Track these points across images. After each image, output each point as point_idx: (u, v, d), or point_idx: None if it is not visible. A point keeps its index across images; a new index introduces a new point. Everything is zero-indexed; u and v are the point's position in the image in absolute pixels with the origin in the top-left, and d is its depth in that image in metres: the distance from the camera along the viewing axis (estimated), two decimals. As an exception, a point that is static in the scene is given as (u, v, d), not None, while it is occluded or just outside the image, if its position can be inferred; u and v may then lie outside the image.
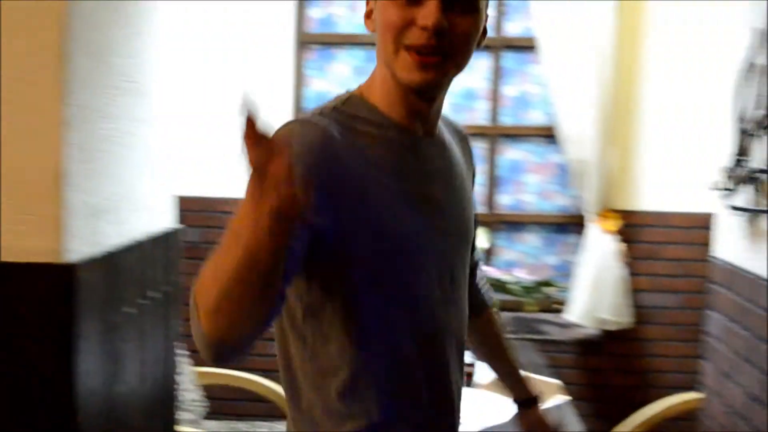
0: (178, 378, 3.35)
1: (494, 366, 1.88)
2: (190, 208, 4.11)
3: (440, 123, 1.50)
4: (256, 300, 1.09)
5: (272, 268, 1.07)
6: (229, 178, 4.13)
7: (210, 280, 1.09)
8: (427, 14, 1.26)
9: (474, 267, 1.75)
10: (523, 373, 1.87)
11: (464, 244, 1.53)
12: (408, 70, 1.30)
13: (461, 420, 1.57)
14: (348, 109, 1.38)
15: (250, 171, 1.04)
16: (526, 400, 1.86)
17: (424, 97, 1.37)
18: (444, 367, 1.45)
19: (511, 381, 1.87)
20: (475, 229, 1.66)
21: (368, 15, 1.39)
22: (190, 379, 3.62)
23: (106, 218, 2.15)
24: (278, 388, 3.81)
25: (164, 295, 2.53)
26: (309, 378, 1.39)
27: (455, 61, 1.33)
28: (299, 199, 1.01)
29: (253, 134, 1.03)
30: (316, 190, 1.14)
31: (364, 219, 1.31)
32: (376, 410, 1.36)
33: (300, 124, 1.31)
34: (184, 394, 3.50)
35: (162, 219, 2.56)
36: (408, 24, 1.28)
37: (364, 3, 1.40)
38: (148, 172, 2.45)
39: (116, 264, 2.17)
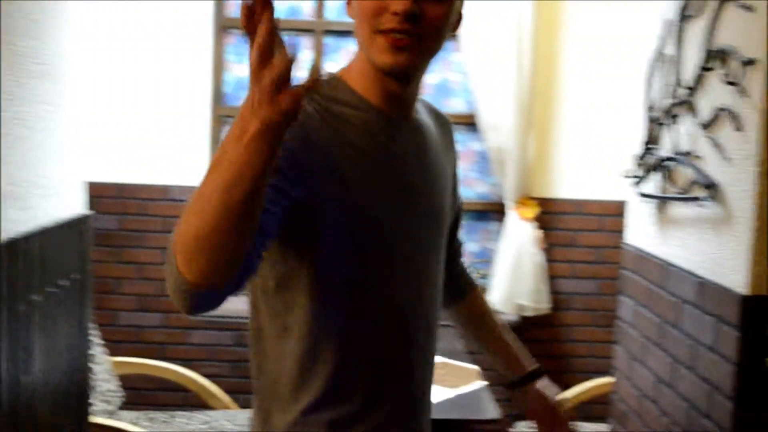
0: (92, 368, 3.29)
1: (487, 346, 1.88)
2: (105, 194, 4.03)
3: (421, 108, 1.56)
4: (236, 231, 1.08)
5: (254, 192, 1.07)
6: (146, 164, 4.06)
7: (190, 214, 1.09)
8: (399, 0, 1.32)
9: (457, 250, 1.84)
10: (519, 348, 1.87)
11: (437, 227, 1.55)
12: (382, 53, 1.36)
13: (429, 397, 1.60)
14: (326, 91, 1.42)
15: (250, 74, 1.05)
16: (526, 376, 1.86)
17: (399, 79, 1.41)
18: (408, 346, 1.48)
19: (507, 358, 1.86)
20: (459, 214, 1.76)
21: (349, 2, 1.44)
22: (106, 369, 3.55)
23: (12, 204, 2.08)
24: (197, 377, 3.77)
25: (75, 283, 2.47)
26: (275, 349, 1.43)
27: (426, 45, 1.38)
28: (288, 115, 1.04)
29: (265, 40, 1.05)
30: (292, 164, 1.27)
31: (336, 195, 1.35)
32: (329, 384, 1.40)
33: None
34: (99, 384, 3.43)
35: (72, 205, 2.50)
36: (382, 10, 1.34)
37: None
38: (58, 157, 2.38)
39: (22, 251, 2.11)
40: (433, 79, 4.28)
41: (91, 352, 2.77)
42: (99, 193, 4.00)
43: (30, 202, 2.20)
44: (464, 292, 1.86)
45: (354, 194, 1.37)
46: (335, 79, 1.46)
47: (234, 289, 1.17)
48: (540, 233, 4.05)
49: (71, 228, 2.44)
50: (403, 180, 1.45)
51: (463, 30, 3.95)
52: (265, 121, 1.04)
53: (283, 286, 1.40)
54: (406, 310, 1.47)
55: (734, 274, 1.97)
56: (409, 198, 1.46)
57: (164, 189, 4.06)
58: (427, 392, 1.59)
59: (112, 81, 3.99)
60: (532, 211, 4.02)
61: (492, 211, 4.37)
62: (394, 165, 1.44)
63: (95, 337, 3.48)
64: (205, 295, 1.14)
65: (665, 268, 2.37)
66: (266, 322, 1.44)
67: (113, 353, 3.94)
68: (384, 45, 1.35)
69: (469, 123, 4.26)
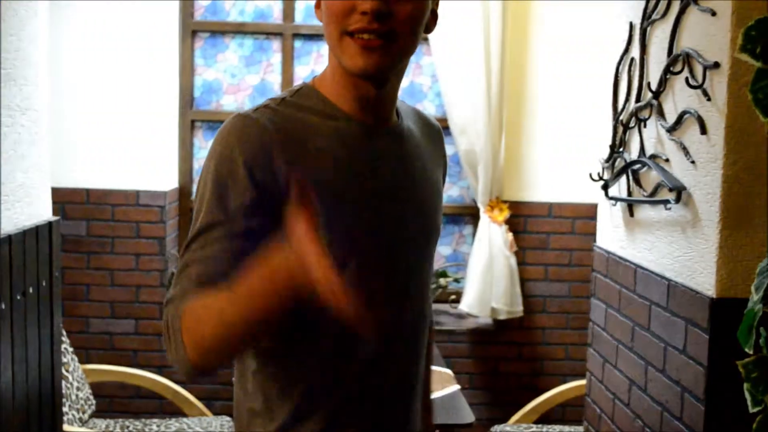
0: (64, 375, 3.25)
1: None
2: (73, 200, 3.99)
3: (407, 114, 1.53)
4: (252, 341, 1.29)
5: (276, 320, 1.19)
6: (115, 169, 4.02)
7: (208, 324, 1.20)
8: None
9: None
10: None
11: (423, 235, 1.51)
12: (351, 56, 1.31)
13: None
14: (297, 100, 1.39)
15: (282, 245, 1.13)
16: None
17: (373, 82, 1.36)
18: (388, 361, 1.44)
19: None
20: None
21: (317, 5, 1.39)
22: (78, 377, 3.52)
23: (-28, 212, 2.05)
24: (171, 385, 3.74)
25: (43, 290, 2.44)
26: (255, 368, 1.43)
27: (399, 45, 1.32)
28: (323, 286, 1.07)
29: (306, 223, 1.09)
30: (253, 189, 1.28)
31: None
32: (304, 402, 1.39)
33: (240, 118, 1.33)
34: (71, 392, 3.39)
35: (37, 211, 2.46)
36: (349, 10, 1.29)
37: None
38: (22, 163, 2.35)
39: (-14, 260, 2.08)
40: (403, 82, 4.26)
41: (62, 360, 2.74)
42: (67, 199, 3.96)
43: (-7, 210, 2.17)
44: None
45: (325, 210, 1.29)
46: (307, 88, 1.42)
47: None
48: (512, 236, 4.06)
49: (38, 235, 2.41)
50: (382, 189, 1.40)
51: (432, 33, 3.94)
52: (303, 293, 1.11)
53: None
54: (390, 322, 1.42)
55: (702, 277, 1.97)
56: (389, 207, 1.41)
57: (133, 194, 4.03)
58: (408, 393, 1.52)
59: (79, 84, 3.95)
60: (504, 214, 4.02)
61: (464, 215, 4.38)
62: (371, 174, 1.39)
63: (66, 345, 3.45)
64: (210, 372, 1.28)
65: (635, 270, 2.38)
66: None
67: (85, 361, 3.91)
68: (353, 47, 1.30)
69: (441, 126, 4.25)
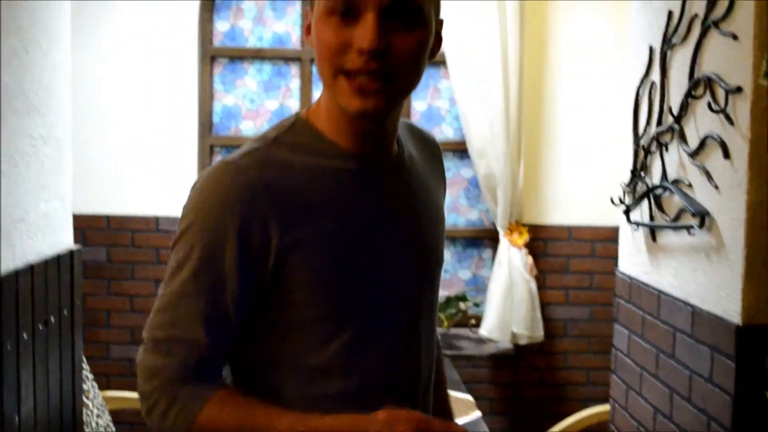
0: (85, 403, 3.25)
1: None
2: (94, 225, 4.00)
3: (405, 135, 1.42)
4: None
5: None
6: (134, 195, 4.04)
7: None
8: (363, 35, 1.14)
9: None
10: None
11: (429, 271, 1.42)
12: (347, 97, 1.19)
13: None
14: (291, 138, 1.28)
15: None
16: None
17: (371, 121, 1.25)
18: (394, 400, 1.31)
19: None
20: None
21: (307, 30, 1.26)
22: (99, 404, 3.51)
23: (-2, 242, 2.06)
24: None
25: (65, 319, 2.44)
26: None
27: (400, 85, 1.21)
28: None
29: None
30: (242, 255, 1.20)
31: (300, 267, 1.23)
32: None
33: (227, 172, 1.22)
34: (92, 419, 3.38)
35: (59, 240, 2.47)
36: (344, 46, 1.17)
37: (304, 16, 1.29)
38: (45, 192, 2.36)
39: (10, 289, 2.08)
40: (421, 106, 4.28)
41: (82, 387, 2.73)
42: (88, 225, 3.98)
43: (17, 239, 2.17)
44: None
45: (322, 260, 1.23)
46: (301, 122, 1.31)
47: None
48: (531, 260, 4.03)
49: (59, 264, 2.42)
50: (385, 227, 1.31)
51: (450, 57, 3.96)
52: None
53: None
54: (400, 369, 1.34)
55: (728, 303, 1.95)
56: (393, 247, 1.32)
57: (153, 220, 4.04)
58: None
59: (99, 110, 3.99)
60: (524, 237, 4.00)
61: (483, 238, 4.36)
62: (372, 213, 1.30)
63: (87, 372, 3.44)
64: None
65: (658, 296, 2.35)
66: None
67: (105, 387, 3.91)
68: (349, 89, 1.18)
69: (459, 150, 4.26)
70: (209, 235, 1.20)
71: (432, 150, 1.51)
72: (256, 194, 1.20)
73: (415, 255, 1.36)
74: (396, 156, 1.35)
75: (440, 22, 1.28)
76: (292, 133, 1.29)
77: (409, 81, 1.23)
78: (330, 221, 1.24)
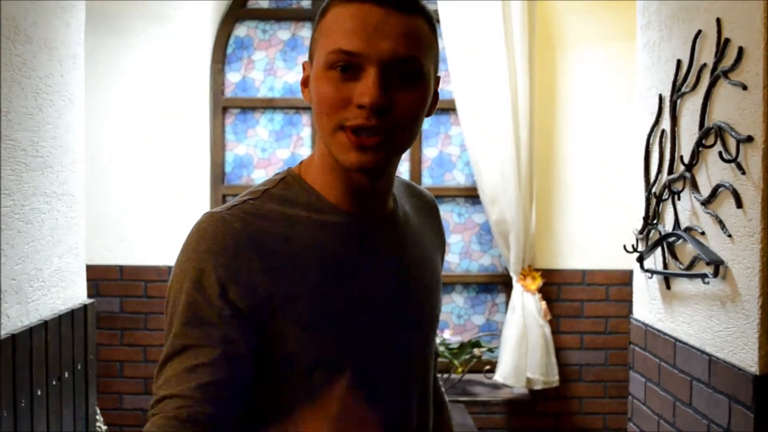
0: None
1: None
2: (107, 276, 4.02)
3: (401, 192, 1.40)
4: None
5: None
6: (147, 246, 4.05)
7: None
8: (365, 91, 1.13)
9: (435, 358, 1.53)
10: None
11: (425, 324, 1.38)
12: (345, 152, 1.17)
13: None
14: (280, 192, 1.26)
15: None
16: None
17: (368, 176, 1.23)
18: None
19: None
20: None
21: (305, 82, 1.25)
22: (110, 456, 3.50)
23: (12, 298, 2.07)
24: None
25: (78, 374, 2.44)
26: None
27: (398, 141, 1.19)
28: None
29: None
30: (228, 308, 1.14)
31: (290, 321, 1.19)
32: None
33: (211, 222, 1.19)
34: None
35: (73, 294, 2.48)
36: (344, 102, 1.15)
37: (302, 68, 1.27)
38: (58, 248, 2.37)
39: (24, 346, 2.08)
40: (432, 152, 4.29)
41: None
42: (101, 276, 3.99)
43: (31, 295, 2.18)
44: (438, 408, 1.61)
45: (310, 317, 1.19)
46: (291, 177, 1.28)
47: None
48: (545, 304, 4.02)
49: (73, 318, 2.42)
50: (377, 284, 1.27)
51: (460, 103, 3.98)
52: None
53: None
54: (395, 415, 1.31)
55: (744, 353, 1.93)
56: (386, 305, 1.28)
57: (165, 270, 4.05)
58: None
59: (112, 162, 4.02)
60: (537, 282, 3.99)
61: (496, 283, 4.35)
62: (365, 271, 1.26)
63: (100, 423, 3.44)
64: None
65: (674, 344, 2.33)
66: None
67: (117, 438, 3.89)
68: (348, 143, 1.16)
69: (471, 195, 4.27)
70: (192, 287, 1.16)
71: (430, 209, 1.49)
72: (241, 246, 1.17)
73: (405, 310, 1.32)
74: (390, 212, 1.33)
75: (437, 80, 1.26)
76: (282, 187, 1.26)
77: (408, 137, 1.21)
78: (319, 274, 1.21)
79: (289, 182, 1.27)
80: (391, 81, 1.15)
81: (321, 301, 1.20)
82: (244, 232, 1.18)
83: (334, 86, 1.16)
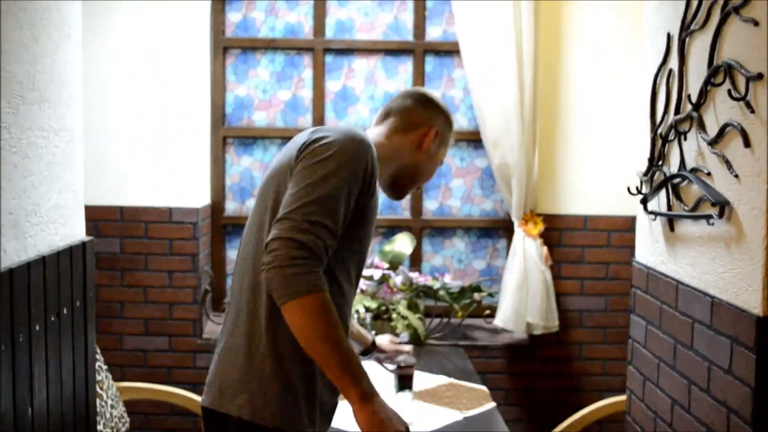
0: (99, 393, 3.25)
1: None
2: (107, 217, 4.00)
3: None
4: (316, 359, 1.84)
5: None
6: (147, 186, 4.03)
7: (319, 329, 1.76)
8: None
9: None
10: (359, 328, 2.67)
11: None
12: (397, 195, 2.28)
13: None
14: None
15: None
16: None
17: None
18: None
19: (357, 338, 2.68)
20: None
21: (435, 134, 2.23)
22: (112, 394, 3.51)
23: (10, 233, 2.05)
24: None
25: (78, 311, 2.43)
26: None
27: None
28: None
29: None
30: (362, 185, 1.91)
31: (372, 204, 2.01)
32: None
33: (362, 136, 1.94)
34: (106, 410, 3.38)
35: (71, 232, 2.46)
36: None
37: (428, 128, 2.22)
38: (56, 184, 2.34)
39: (22, 281, 2.07)
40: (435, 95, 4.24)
41: (96, 377, 2.73)
42: (101, 217, 3.98)
43: (29, 230, 2.16)
44: None
45: (374, 210, 2.03)
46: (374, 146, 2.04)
47: None
48: (546, 250, 4.00)
49: (72, 255, 2.41)
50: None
51: (464, 46, 3.92)
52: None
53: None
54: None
55: (748, 294, 1.92)
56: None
57: (166, 211, 4.03)
58: None
59: (111, 102, 3.97)
60: (538, 227, 3.97)
61: (498, 228, 4.33)
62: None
63: (100, 363, 3.45)
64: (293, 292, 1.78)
65: (676, 287, 2.32)
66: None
67: (119, 378, 3.91)
68: (405, 194, 2.27)
69: (473, 139, 4.23)
70: (353, 166, 1.86)
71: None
72: (374, 159, 1.94)
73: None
74: None
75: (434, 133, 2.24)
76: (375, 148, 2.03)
77: None
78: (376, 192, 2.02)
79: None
80: None
81: (375, 207, 2.05)
82: (373, 151, 1.96)
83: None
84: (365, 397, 1.77)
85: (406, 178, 2.21)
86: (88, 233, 2.62)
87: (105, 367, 3.53)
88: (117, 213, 4.03)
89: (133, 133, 3.99)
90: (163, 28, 3.96)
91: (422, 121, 2.20)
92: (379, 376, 2.84)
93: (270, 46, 4.24)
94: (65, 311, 2.34)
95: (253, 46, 4.25)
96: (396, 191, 2.25)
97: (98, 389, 3.31)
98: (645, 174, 2.55)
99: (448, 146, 2.30)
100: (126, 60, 3.97)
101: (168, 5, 3.95)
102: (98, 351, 3.40)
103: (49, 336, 2.23)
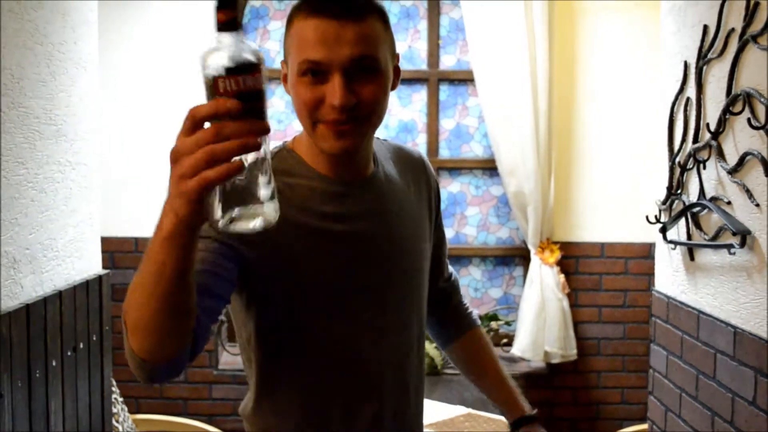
0: (114, 427, 3.23)
1: (485, 386, 1.89)
2: (122, 249, 4.00)
3: (383, 155, 1.59)
4: (170, 317, 1.14)
5: (179, 286, 1.11)
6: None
7: (131, 300, 1.16)
8: (333, 93, 1.33)
9: (448, 290, 1.86)
10: (516, 391, 1.87)
11: (404, 274, 1.57)
12: (326, 140, 1.39)
13: None
14: (275, 164, 1.37)
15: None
16: (523, 419, 1.85)
17: (349, 154, 1.45)
18: (373, 397, 1.52)
19: (505, 399, 1.86)
20: (441, 248, 1.79)
21: (284, 78, 1.45)
22: (129, 427, 3.49)
23: (27, 268, 2.05)
24: (219, 433, 3.70)
25: (93, 345, 2.42)
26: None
27: (369, 123, 1.41)
28: (203, 214, 1.06)
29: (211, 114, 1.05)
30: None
31: (281, 260, 1.41)
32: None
33: None
34: (120, 444, 3.36)
35: (88, 265, 2.46)
36: (318, 102, 1.35)
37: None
38: (73, 218, 2.35)
39: (37, 317, 2.07)
40: (449, 124, 4.25)
41: (112, 410, 2.72)
42: (116, 248, 3.98)
43: (45, 265, 2.16)
44: (464, 329, 1.87)
45: (299, 256, 1.42)
46: (285, 151, 1.50)
47: (189, 358, 1.24)
48: (563, 278, 3.98)
49: (88, 289, 2.40)
50: (359, 236, 1.48)
51: (478, 74, 3.92)
52: (177, 216, 1.07)
53: (255, 338, 1.48)
54: (367, 360, 1.51)
55: (771, 325, 1.89)
56: (366, 251, 1.49)
57: (182, 242, 4.02)
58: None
59: (126, 133, 3.98)
60: (555, 255, 3.95)
61: (514, 256, 4.31)
62: (347, 224, 1.47)
63: (116, 395, 3.43)
64: (158, 368, 1.20)
65: (698, 316, 2.29)
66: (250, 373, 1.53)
67: (135, 410, 3.89)
68: (326, 133, 1.38)
69: (488, 168, 4.22)
70: None
71: (417, 166, 1.68)
72: None
73: (385, 257, 1.52)
74: (370, 175, 1.53)
75: (396, 58, 1.46)
76: (276, 159, 1.46)
77: (377, 117, 1.42)
78: (310, 222, 1.44)
79: (282, 155, 1.49)
80: (353, 78, 1.35)
81: (298, 239, 1.44)
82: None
83: (308, 89, 1.35)
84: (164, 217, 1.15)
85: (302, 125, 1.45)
86: (103, 265, 2.61)
87: (121, 399, 3.52)
88: (132, 244, 4.03)
89: (147, 163, 4.00)
90: (177, 60, 3.97)
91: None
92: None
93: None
94: (81, 345, 2.33)
95: (268, 77, 4.26)
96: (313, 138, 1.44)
97: (114, 422, 3.29)
98: (663, 203, 2.53)
99: (302, 37, 1.37)
100: (141, 92, 3.98)
101: (182, 36, 3.97)
102: (114, 383, 3.39)
103: (66, 371, 2.22)
